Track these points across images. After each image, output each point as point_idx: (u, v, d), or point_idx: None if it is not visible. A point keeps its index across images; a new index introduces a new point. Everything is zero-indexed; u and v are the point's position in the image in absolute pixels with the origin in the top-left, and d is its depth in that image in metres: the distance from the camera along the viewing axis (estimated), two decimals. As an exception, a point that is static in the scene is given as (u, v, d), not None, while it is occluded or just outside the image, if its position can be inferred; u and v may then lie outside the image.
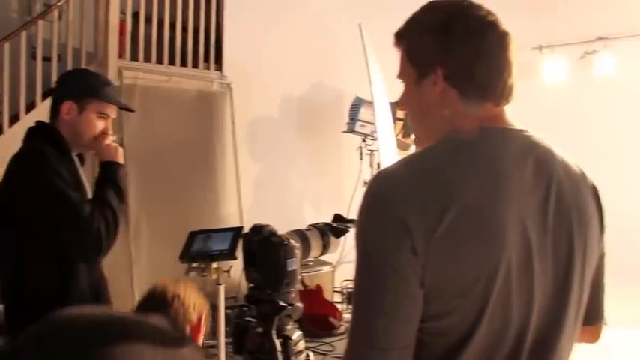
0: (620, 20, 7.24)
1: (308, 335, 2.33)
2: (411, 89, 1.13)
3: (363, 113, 5.10)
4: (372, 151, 5.12)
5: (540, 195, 1.05)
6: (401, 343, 0.97)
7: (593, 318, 1.22)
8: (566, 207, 1.07)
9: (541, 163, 1.07)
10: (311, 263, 4.55)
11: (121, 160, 2.02)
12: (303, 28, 5.60)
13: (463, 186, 0.99)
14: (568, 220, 1.07)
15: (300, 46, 5.55)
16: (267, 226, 1.82)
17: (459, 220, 0.95)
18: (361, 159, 5.15)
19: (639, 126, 6.82)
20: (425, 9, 1.11)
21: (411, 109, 1.16)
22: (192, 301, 1.68)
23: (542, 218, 1.04)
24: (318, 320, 4.13)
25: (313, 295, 4.48)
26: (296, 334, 1.86)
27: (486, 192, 1.00)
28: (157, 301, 1.66)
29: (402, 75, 1.15)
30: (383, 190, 1.01)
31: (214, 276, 2.56)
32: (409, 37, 1.12)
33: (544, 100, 7.64)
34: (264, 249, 1.77)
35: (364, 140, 5.22)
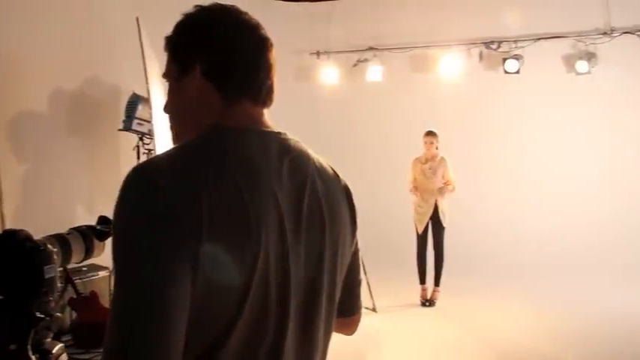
0: (388, 33, 7.90)
1: (83, 346, 2.19)
2: (174, 87, 1.16)
3: (141, 111, 4.93)
4: (149, 150, 4.97)
5: (295, 196, 1.10)
6: (175, 346, 0.92)
7: (349, 311, 1.31)
8: (319, 207, 1.14)
9: (296, 164, 1.12)
10: (85, 269, 4.28)
11: None
12: (77, 16, 5.24)
13: (218, 184, 0.99)
14: (320, 220, 1.13)
15: (72, 36, 5.18)
16: (22, 230, 1.65)
17: (220, 216, 0.96)
18: (138, 158, 4.97)
19: (402, 128, 7.49)
20: (191, 11, 1.15)
21: (173, 108, 1.17)
22: None
23: (297, 218, 1.09)
24: (93, 329, 3.88)
25: (88, 303, 4.20)
26: (56, 348, 1.71)
27: (242, 191, 1.01)
28: None
29: (166, 74, 1.18)
30: (142, 184, 0.97)
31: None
32: (174, 37, 1.16)
33: (320, 100, 8.08)
34: (18, 256, 1.60)
35: (141, 139, 5.05)
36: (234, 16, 1.14)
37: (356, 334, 1.40)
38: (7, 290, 1.60)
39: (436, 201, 6.15)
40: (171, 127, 1.19)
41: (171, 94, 1.17)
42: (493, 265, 6.97)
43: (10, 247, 1.61)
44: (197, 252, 0.93)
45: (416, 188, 6.23)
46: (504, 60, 7.45)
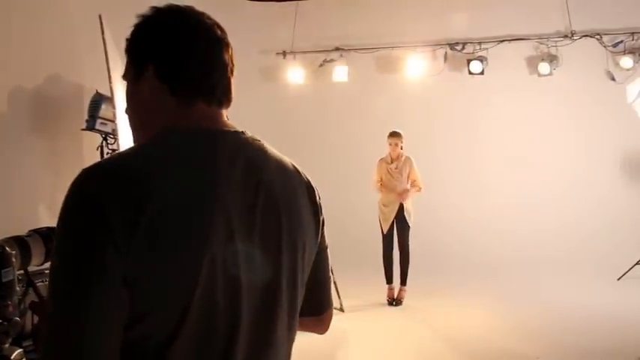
0: (354, 33, 7.93)
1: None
2: (131, 89, 1.16)
3: (104, 110, 4.85)
4: (113, 150, 4.89)
5: (249, 194, 1.08)
6: (109, 350, 0.93)
7: (319, 308, 1.30)
8: (275, 207, 1.12)
9: (252, 163, 1.11)
10: (47, 271, 4.19)
11: None
12: (39, 13, 5.13)
13: (166, 184, 0.99)
14: (277, 221, 1.12)
15: (33, 33, 5.06)
16: (-21, 232, 1.61)
17: (160, 218, 0.95)
18: (102, 158, 4.88)
19: (368, 128, 7.53)
20: (147, 12, 1.15)
21: (130, 109, 1.18)
22: None
23: (250, 217, 1.07)
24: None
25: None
26: (15, 353, 1.67)
27: (190, 191, 1.00)
28: None
29: (124, 75, 1.18)
30: (84, 186, 0.97)
31: None
32: (130, 38, 1.16)
33: (287, 100, 8.07)
34: (-25, 259, 1.56)
35: (105, 139, 4.97)
36: (188, 16, 1.15)
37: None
38: (-37, 294, 1.56)
39: (401, 200, 6.19)
40: (131, 130, 1.19)
41: (129, 95, 1.17)
42: (458, 264, 7.06)
43: (-33, 250, 1.57)
44: (129, 255, 0.93)
45: (382, 186, 6.26)
46: (469, 61, 7.54)
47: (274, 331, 1.12)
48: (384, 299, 6.20)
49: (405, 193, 6.13)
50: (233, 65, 1.16)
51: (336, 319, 1.43)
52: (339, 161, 7.91)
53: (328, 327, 1.37)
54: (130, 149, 1.08)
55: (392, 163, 6.22)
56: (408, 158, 6.23)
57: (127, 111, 1.19)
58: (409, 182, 6.21)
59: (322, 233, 1.26)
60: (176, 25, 1.13)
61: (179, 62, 1.11)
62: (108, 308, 0.92)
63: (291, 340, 1.19)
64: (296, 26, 7.82)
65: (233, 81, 1.16)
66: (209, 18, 1.16)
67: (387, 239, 6.26)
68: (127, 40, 1.16)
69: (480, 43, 7.60)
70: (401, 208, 6.17)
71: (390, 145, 6.20)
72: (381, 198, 6.27)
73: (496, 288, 6.48)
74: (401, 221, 6.19)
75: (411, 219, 6.17)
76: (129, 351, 0.96)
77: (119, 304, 0.93)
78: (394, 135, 6.19)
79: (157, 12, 1.14)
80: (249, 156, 1.11)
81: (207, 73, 1.12)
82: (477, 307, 5.91)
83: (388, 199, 6.19)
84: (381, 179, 6.26)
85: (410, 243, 6.18)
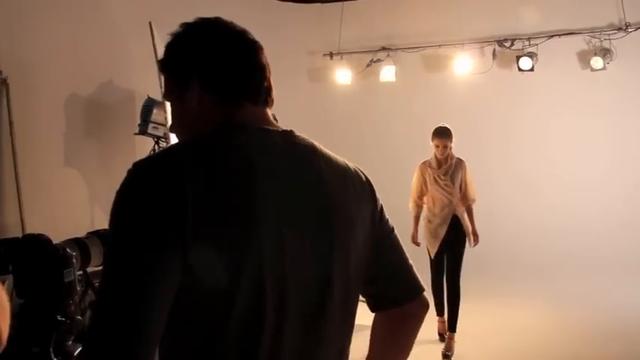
0: (400, 33, 7.89)
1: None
2: (176, 106, 1.19)
3: (156, 115, 4.97)
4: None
5: (299, 189, 1.10)
6: (155, 330, 0.95)
7: (402, 297, 1.28)
8: (326, 200, 1.13)
9: (301, 162, 1.13)
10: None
11: None
12: (92, 23, 5.30)
13: (217, 175, 1.01)
14: (328, 213, 1.12)
15: (88, 41, 5.24)
16: (42, 235, 1.68)
17: (211, 207, 0.98)
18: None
19: (416, 126, 7.45)
20: (178, 30, 1.18)
21: (180, 125, 1.20)
22: None
23: (300, 216, 1.09)
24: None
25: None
26: (78, 351, 1.73)
27: (241, 186, 1.02)
28: None
29: (166, 94, 1.21)
30: (139, 174, 1.01)
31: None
32: (168, 57, 1.19)
33: (334, 101, 8.08)
34: (38, 260, 1.63)
35: (157, 143, 5.09)
36: (220, 27, 1.18)
37: None
38: (28, 294, 1.63)
39: (455, 214, 4.83)
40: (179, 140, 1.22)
41: (175, 112, 1.20)
42: (509, 266, 6.91)
43: (30, 251, 1.64)
44: (180, 246, 0.95)
45: (420, 199, 4.96)
46: (518, 58, 7.40)
47: (325, 326, 1.12)
48: (434, 334, 5.03)
49: (475, 236, 4.88)
50: (269, 66, 1.20)
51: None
52: (385, 162, 7.86)
53: (422, 318, 1.32)
54: (182, 142, 1.12)
55: (439, 168, 4.88)
56: (459, 161, 4.93)
57: (174, 128, 1.21)
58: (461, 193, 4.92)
59: (383, 219, 1.25)
60: (211, 36, 1.16)
61: (221, 71, 1.14)
62: (160, 286, 0.94)
63: (347, 337, 1.19)
64: (342, 27, 7.82)
65: (272, 81, 1.20)
66: (238, 26, 1.20)
67: (435, 264, 4.89)
68: (161, 60, 1.20)
69: (529, 39, 7.45)
70: (454, 223, 4.82)
71: (437, 147, 4.82)
72: (427, 212, 4.94)
73: (547, 289, 6.32)
74: (453, 242, 4.83)
75: (469, 238, 4.85)
76: (180, 338, 0.98)
77: (170, 284, 0.95)
78: (441, 134, 4.82)
79: (189, 27, 1.18)
80: (299, 152, 1.14)
81: (250, 76, 1.16)
82: (528, 309, 5.78)
83: (434, 215, 4.86)
84: (422, 191, 4.94)
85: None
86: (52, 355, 1.65)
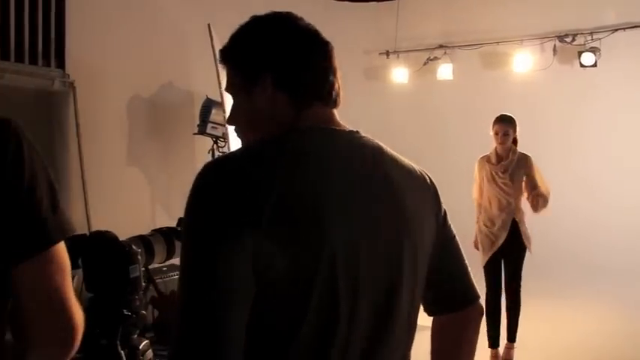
0: (457, 30, 7.79)
1: (164, 343, 2.25)
2: (241, 100, 1.16)
3: (214, 115, 5.06)
4: (223, 153, 5.08)
5: (368, 189, 1.09)
6: (236, 326, 0.95)
7: (457, 303, 1.28)
8: (395, 201, 1.12)
9: (370, 162, 1.12)
10: (165, 269, 4.43)
11: None
12: (153, 26, 5.45)
13: (288, 176, 1.00)
14: (396, 214, 1.12)
15: (149, 45, 5.39)
16: (108, 232, 1.74)
17: (283, 208, 0.97)
18: (213, 161, 5.09)
19: (473, 125, 7.33)
20: (249, 23, 1.16)
21: (243, 119, 1.18)
22: None
23: (371, 216, 1.08)
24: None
25: (168, 302, 4.34)
26: (143, 344, 1.79)
27: (312, 186, 1.02)
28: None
29: (230, 87, 1.18)
30: (211, 177, 1.01)
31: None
32: (235, 49, 1.16)
33: (391, 100, 8.04)
34: (105, 257, 1.69)
35: (216, 142, 5.18)
36: (294, 24, 1.16)
37: None
38: (96, 289, 1.69)
39: (514, 219, 4.25)
40: (242, 139, 1.21)
41: (239, 106, 1.17)
42: (571, 266, 6.73)
43: (98, 247, 1.71)
44: (255, 246, 0.95)
45: (481, 197, 4.42)
46: (580, 53, 7.18)
47: (392, 328, 1.11)
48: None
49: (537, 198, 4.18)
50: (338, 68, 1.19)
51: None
52: (444, 162, 7.77)
53: (478, 324, 1.32)
54: (252, 144, 1.12)
55: (498, 163, 4.29)
56: (523, 157, 4.27)
57: (235, 121, 1.19)
58: (527, 192, 4.28)
59: (446, 224, 1.24)
60: (287, 32, 1.14)
61: (298, 70, 1.13)
62: (236, 284, 0.95)
63: (410, 340, 1.18)
64: (398, 25, 7.78)
65: (340, 82, 1.19)
66: (309, 23, 1.18)
67: (490, 276, 4.26)
68: (226, 50, 1.17)
69: (591, 34, 7.23)
70: (513, 229, 4.23)
71: (497, 134, 4.22)
72: (483, 214, 4.39)
73: (611, 291, 6.10)
74: (512, 250, 4.24)
75: (529, 246, 4.27)
76: (254, 339, 0.98)
77: (246, 282, 0.95)
78: (502, 119, 4.27)
79: (262, 21, 1.15)
80: (367, 153, 1.13)
81: (324, 77, 1.15)
82: (591, 313, 5.61)
83: (490, 219, 4.29)
84: (482, 189, 4.40)
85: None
86: (119, 348, 1.71)
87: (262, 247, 0.95)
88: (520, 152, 4.31)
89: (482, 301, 3.48)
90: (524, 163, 4.25)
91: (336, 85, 1.17)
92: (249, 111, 1.15)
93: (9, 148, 0.99)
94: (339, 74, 1.18)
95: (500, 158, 4.31)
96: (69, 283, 1.06)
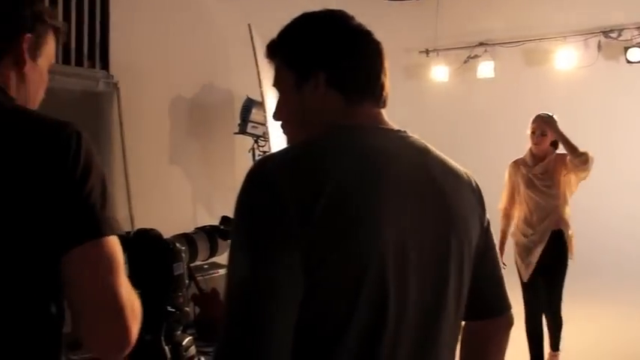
0: (498, 27, 7.67)
1: (205, 340, 2.28)
2: (290, 96, 1.15)
3: (255, 114, 5.10)
4: (264, 152, 5.12)
5: (415, 190, 1.09)
6: (286, 326, 0.95)
7: (490, 310, 1.27)
8: (444, 204, 1.12)
9: (419, 162, 1.12)
10: (206, 267, 4.48)
11: None
12: (193, 27, 5.52)
13: (338, 173, 1.00)
14: (446, 218, 1.11)
15: (190, 46, 5.46)
16: (152, 230, 1.77)
17: (334, 205, 0.96)
18: (253, 160, 5.13)
19: (515, 124, 7.20)
20: (301, 19, 1.16)
21: (291, 116, 1.18)
22: None
23: (420, 216, 1.07)
24: (214, 324, 4.05)
25: (210, 299, 4.39)
26: (186, 340, 1.82)
27: (361, 181, 1.01)
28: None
29: (278, 83, 1.18)
30: (262, 172, 1.00)
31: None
32: (287, 45, 1.15)
33: (431, 98, 7.98)
34: (149, 254, 1.72)
35: (256, 142, 5.22)
36: (348, 22, 1.15)
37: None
38: (141, 285, 1.72)
39: (559, 229, 3.92)
40: (288, 135, 1.20)
41: (288, 102, 1.16)
42: (617, 270, 6.56)
43: (143, 245, 1.74)
44: (308, 241, 0.94)
45: (511, 207, 4.07)
46: (626, 49, 7.01)
47: (440, 331, 1.10)
48: None
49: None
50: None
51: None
52: (485, 161, 7.67)
53: (507, 334, 1.30)
54: (301, 142, 1.10)
55: (535, 165, 3.95)
56: (560, 156, 3.94)
57: (283, 117, 1.18)
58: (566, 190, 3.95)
59: (489, 233, 1.23)
60: (340, 30, 1.14)
61: (352, 69, 1.12)
62: (285, 283, 0.94)
63: (456, 341, 1.18)
64: (438, 23, 7.70)
65: (388, 80, 1.18)
66: (361, 22, 1.17)
67: (530, 293, 3.92)
68: (275, 46, 1.16)
69: (638, 29, 7.04)
70: (554, 239, 3.88)
71: (534, 132, 3.93)
72: (520, 224, 4.02)
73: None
74: (552, 263, 3.89)
75: (572, 253, 3.92)
76: (302, 339, 0.97)
77: (295, 281, 0.94)
78: (540, 117, 3.96)
79: (314, 18, 1.15)
80: (414, 153, 1.13)
81: (376, 77, 1.15)
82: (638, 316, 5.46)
83: (529, 227, 3.94)
84: (514, 197, 4.05)
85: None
86: (163, 344, 1.74)
87: (315, 247, 0.95)
88: (556, 153, 4.01)
89: (521, 319, 3.39)
90: (562, 162, 3.92)
91: (386, 85, 1.17)
92: (298, 107, 1.15)
93: (71, 145, 1.06)
94: (388, 74, 1.17)
95: (535, 159, 3.98)
96: (122, 280, 1.08)
